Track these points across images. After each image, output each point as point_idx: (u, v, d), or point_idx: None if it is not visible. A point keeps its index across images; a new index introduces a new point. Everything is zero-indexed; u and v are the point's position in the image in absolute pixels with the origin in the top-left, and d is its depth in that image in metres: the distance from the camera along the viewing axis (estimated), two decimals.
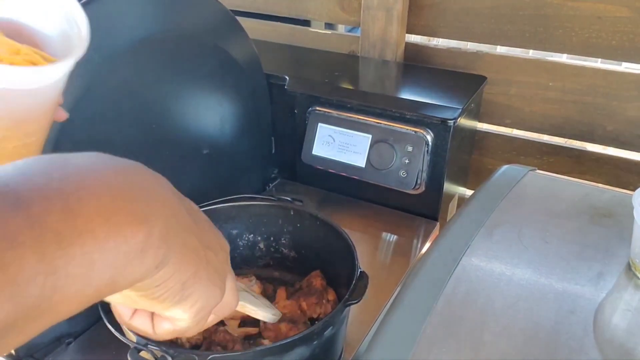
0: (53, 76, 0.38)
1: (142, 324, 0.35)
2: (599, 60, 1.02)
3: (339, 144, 0.91)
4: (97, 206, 0.25)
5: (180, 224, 0.30)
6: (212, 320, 0.37)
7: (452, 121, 0.82)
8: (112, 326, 0.50)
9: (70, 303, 0.24)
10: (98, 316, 0.50)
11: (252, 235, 0.70)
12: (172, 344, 0.58)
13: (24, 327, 0.23)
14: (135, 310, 0.35)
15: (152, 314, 0.35)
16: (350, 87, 0.95)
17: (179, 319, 0.33)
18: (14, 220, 0.22)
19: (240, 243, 0.70)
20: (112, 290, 0.27)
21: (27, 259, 0.22)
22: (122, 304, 0.35)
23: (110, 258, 0.25)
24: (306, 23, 1.24)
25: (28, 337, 0.24)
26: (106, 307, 0.47)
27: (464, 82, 0.96)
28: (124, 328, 0.49)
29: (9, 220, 0.22)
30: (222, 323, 0.61)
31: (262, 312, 0.52)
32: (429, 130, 0.84)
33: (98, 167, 0.26)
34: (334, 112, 0.91)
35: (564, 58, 1.05)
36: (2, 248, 0.21)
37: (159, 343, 0.47)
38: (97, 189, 0.25)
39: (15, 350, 0.62)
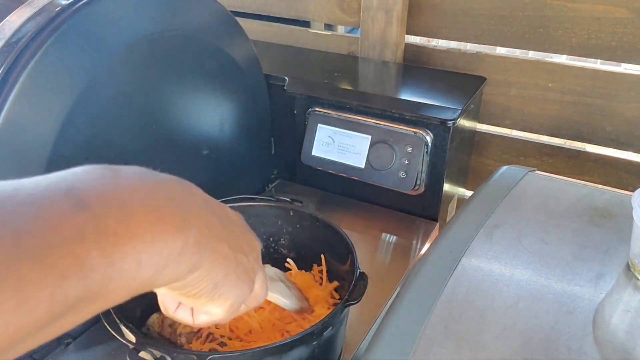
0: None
1: (184, 316, 0.41)
2: (599, 61, 1.02)
3: (338, 144, 0.91)
4: (146, 214, 0.29)
5: (212, 232, 0.34)
6: (243, 309, 0.42)
7: (451, 122, 0.82)
8: (111, 327, 0.50)
9: (119, 292, 0.29)
10: (97, 317, 0.50)
11: None
12: (171, 344, 0.58)
13: (83, 308, 0.27)
14: (179, 304, 0.41)
15: (192, 308, 0.40)
16: (350, 88, 0.95)
17: (213, 312, 0.38)
18: (79, 219, 0.26)
19: None
20: (151, 286, 0.31)
21: (92, 252, 0.26)
22: (167, 297, 0.40)
23: (154, 259, 0.29)
24: (306, 24, 1.24)
25: (84, 318, 0.28)
26: None
27: (464, 83, 0.96)
28: (123, 329, 0.50)
29: (76, 219, 0.26)
30: None
31: (286, 301, 0.56)
32: (429, 131, 0.84)
33: (143, 180, 0.31)
34: (334, 113, 0.91)
35: (563, 59, 1.05)
36: (73, 242, 0.26)
37: (158, 344, 0.47)
38: (144, 200, 0.30)
39: None
